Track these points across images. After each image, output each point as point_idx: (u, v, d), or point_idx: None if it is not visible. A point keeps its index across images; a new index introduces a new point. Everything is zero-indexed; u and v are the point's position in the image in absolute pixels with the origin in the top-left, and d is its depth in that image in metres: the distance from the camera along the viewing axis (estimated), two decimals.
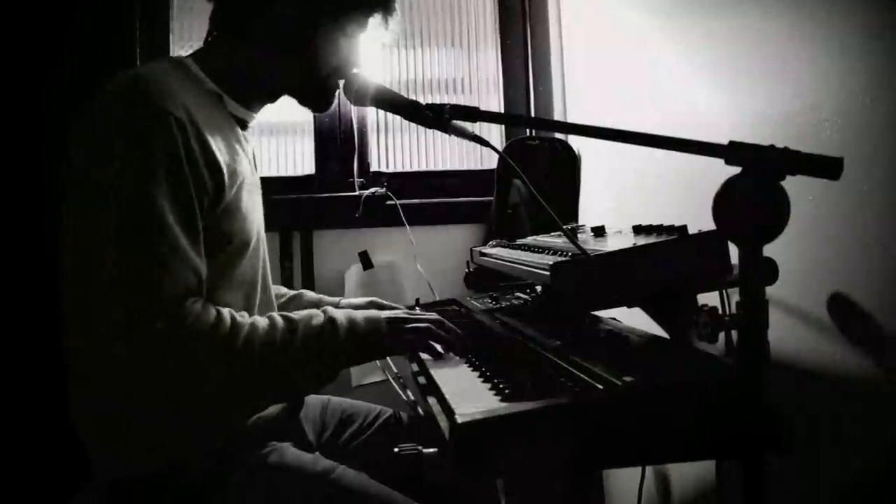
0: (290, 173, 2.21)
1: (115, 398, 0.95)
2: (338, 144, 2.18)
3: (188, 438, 0.98)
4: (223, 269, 1.01)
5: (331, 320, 1.00)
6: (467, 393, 0.84)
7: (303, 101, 1.19)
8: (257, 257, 1.11)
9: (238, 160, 1.07)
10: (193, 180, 0.94)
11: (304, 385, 1.04)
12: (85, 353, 0.96)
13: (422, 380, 1.00)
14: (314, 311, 1.02)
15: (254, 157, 1.21)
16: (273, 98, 1.19)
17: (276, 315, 0.99)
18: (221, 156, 1.00)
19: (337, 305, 1.36)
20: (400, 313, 1.11)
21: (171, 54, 2.05)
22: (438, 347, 1.05)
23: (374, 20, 1.16)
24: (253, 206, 1.10)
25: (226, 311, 0.94)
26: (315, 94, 1.17)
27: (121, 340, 0.88)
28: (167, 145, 0.92)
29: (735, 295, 0.69)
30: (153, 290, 0.88)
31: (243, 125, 1.16)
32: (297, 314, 1.01)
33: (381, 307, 1.33)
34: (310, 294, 1.43)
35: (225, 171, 0.99)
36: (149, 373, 0.89)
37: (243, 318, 0.96)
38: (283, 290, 1.43)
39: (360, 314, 1.04)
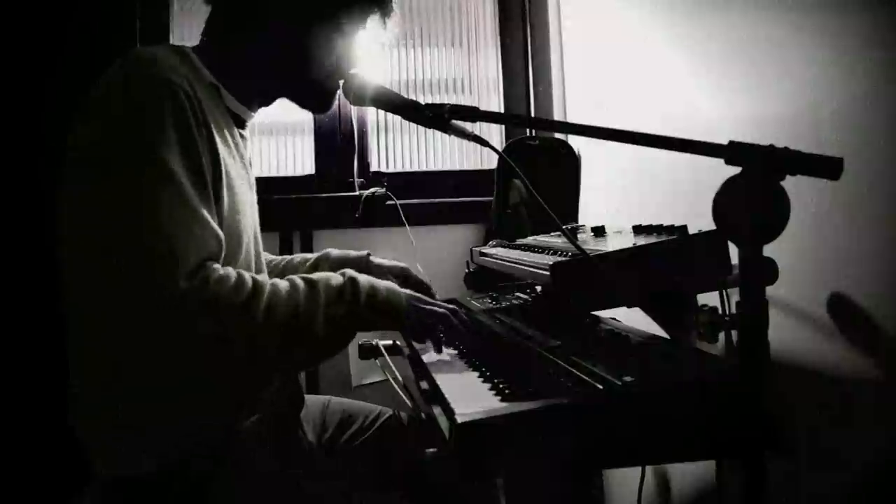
0: (290, 173, 2.21)
1: (117, 395, 0.94)
2: (338, 144, 2.18)
3: (188, 437, 0.97)
4: None
5: (352, 280, 0.99)
6: (467, 393, 0.83)
7: (302, 104, 1.19)
8: (251, 254, 1.09)
9: (232, 155, 1.06)
10: (201, 151, 0.93)
11: (324, 344, 0.98)
12: (87, 347, 0.95)
13: (422, 381, 1.00)
14: (332, 273, 1.00)
15: (249, 158, 1.20)
16: (269, 100, 1.18)
17: (294, 277, 0.97)
18: (218, 145, 0.99)
19: (367, 260, 1.38)
20: (420, 295, 1.09)
21: None
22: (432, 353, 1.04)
23: (372, 20, 1.16)
24: (245, 204, 1.08)
25: (246, 274, 0.92)
26: (313, 95, 1.17)
27: (140, 310, 0.84)
28: (175, 111, 0.91)
29: (735, 295, 0.69)
30: (176, 252, 0.85)
31: (240, 123, 1.15)
32: (315, 275, 0.99)
33: (408, 277, 1.36)
34: (335, 252, 1.43)
35: (220, 157, 0.98)
36: (165, 345, 0.86)
37: (264, 279, 0.94)
38: (308, 255, 1.44)
39: (382, 283, 1.03)
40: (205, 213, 0.91)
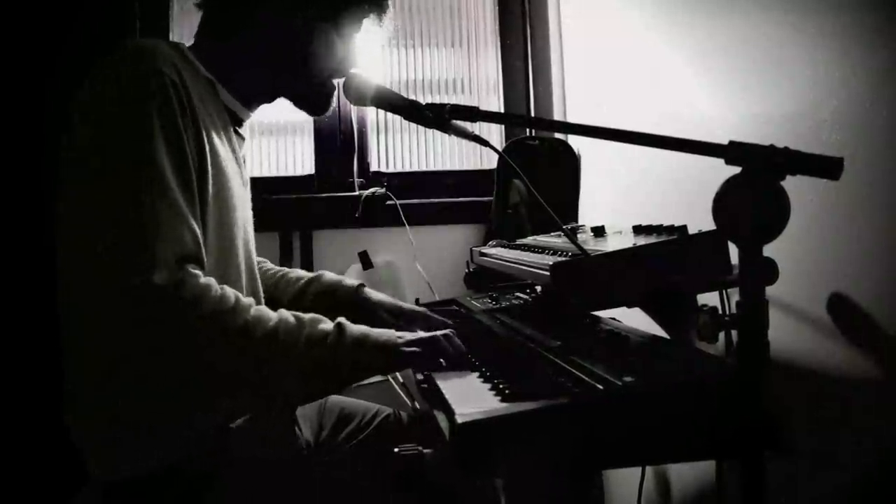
0: (290, 173, 2.21)
1: (109, 395, 0.94)
2: (338, 144, 2.18)
3: (182, 437, 0.96)
4: (210, 262, 0.97)
5: (339, 326, 0.95)
6: (467, 393, 0.83)
7: (300, 105, 1.18)
8: (239, 251, 1.07)
9: (225, 148, 1.05)
10: (187, 143, 0.93)
11: (295, 389, 0.95)
12: (80, 346, 0.95)
13: (422, 379, 1.00)
14: (322, 316, 0.97)
15: (244, 156, 1.18)
16: (270, 99, 1.18)
17: (283, 310, 0.95)
18: (207, 137, 0.98)
19: (356, 290, 1.33)
20: (410, 333, 1.04)
21: None
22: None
23: (369, 19, 1.16)
24: (238, 198, 1.07)
25: (231, 291, 0.90)
26: (313, 97, 1.17)
27: (119, 305, 0.83)
28: (162, 102, 0.91)
29: (735, 295, 0.68)
30: (151, 245, 0.84)
31: (237, 121, 1.14)
32: (306, 315, 0.96)
33: (402, 310, 1.30)
34: (328, 276, 1.38)
35: (207, 150, 0.98)
36: (141, 345, 0.86)
37: (250, 301, 0.92)
38: (302, 274, 1.40)
39: (374, 329, 0.99)
40: (185, 208, 0.90)
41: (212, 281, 0.89)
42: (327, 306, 1.30)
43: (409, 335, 1.01)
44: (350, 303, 1.32)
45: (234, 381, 0.92)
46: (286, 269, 1.43)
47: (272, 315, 0.93)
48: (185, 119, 0.93)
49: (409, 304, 1.34)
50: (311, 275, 1.39)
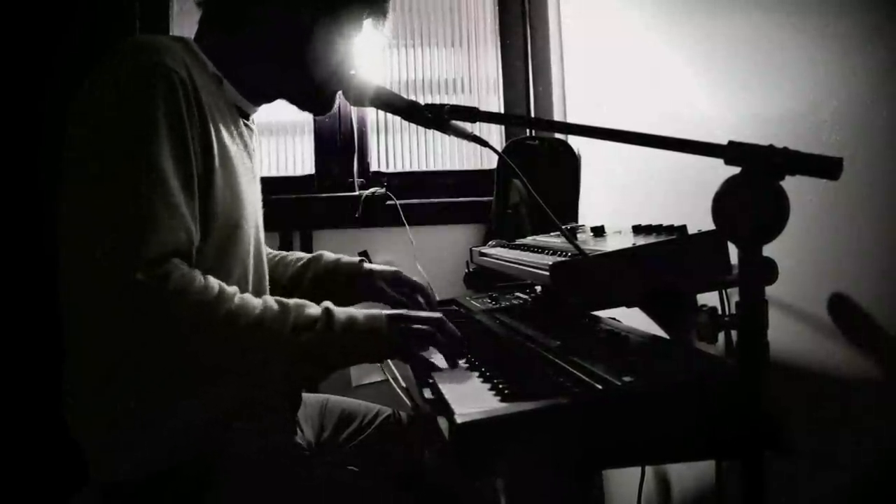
0: (290, 173, 2.21)
1: (109, 394, 0.94)
2: (338, 144, 2.18)
3: (182, 438, 0.96)
4: (213, 257, 0.97)
5: (327, 311, 0.95)
6: (467, 393, 0.83)
7: (303, 105, 1.18)
8: (249, 244, 1.07)
9: (235, 143, 1.05)
10: (191, 139, 0.92)
11: (282, 375, 0.96)
12: (79, 345, 0.95)
13: (422, 380, 1.00)
14: (309, 301, 0.98)
15: (253, 148, 1.17)
16: (272, 98, 1.18)
17: (268, 297, 0.95)
18: (214, 132, 0.98)
19: (359, 266, 1.33)
20: (403, 312, 1.03)
21: None
22: (439, 362, 0.99)
23: (368, 21, 1.16)
24: (247, 192, 1.07)
25: (214, 281, 0.90)
26: (315, 95, 1.17)
27: (103, 298, 0.84)
28: (166, 96, 0.90)
29: (735, 295, 0.68)
30: (139, 241, 0.84)
31: (244, 115, 1.15)
32: (291, 300, 0.96)
33: (399, 279, 1.32)
34: (328, 255, 1.38)
35: (215, 144, 0.97)
36: (131, 339, 0.86)
37: (234, 290, 0.92)
38: (301, 255, 1.40)
39: (361, 311, 0.99)
40: (182, 205, 0.90)
41: (196, 272, 0.89)
42: (327, 287, 1.30)
43: (400, 319, 0.99)
44: (350, 278, 1.33)
45: (220, 370, 0.92)
46: (284, 252, 1.43)
47: (256, 303, 0.92)
48: (190, 113, 0.93)
49: (410, 277, 1.35)
50: (309, 256, 1.39)
